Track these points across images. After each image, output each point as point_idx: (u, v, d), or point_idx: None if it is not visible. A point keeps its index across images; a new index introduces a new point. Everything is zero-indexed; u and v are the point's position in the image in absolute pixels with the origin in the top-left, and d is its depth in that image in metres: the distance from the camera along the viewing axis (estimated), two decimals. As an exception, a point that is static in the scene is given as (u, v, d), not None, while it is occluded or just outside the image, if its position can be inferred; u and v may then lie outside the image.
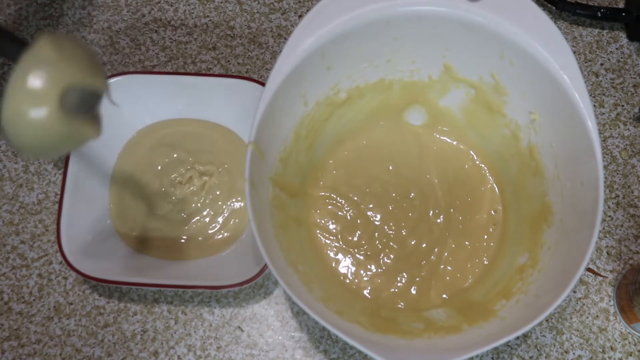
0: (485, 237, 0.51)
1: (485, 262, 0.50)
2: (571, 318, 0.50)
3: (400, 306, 0.48)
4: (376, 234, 0.51)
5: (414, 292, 0.49)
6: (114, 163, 0.54)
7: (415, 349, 0.40)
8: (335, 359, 0.49)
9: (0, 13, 0.61)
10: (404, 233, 0.51)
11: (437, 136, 0.54)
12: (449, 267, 0.50)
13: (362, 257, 0.50)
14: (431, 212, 0.51)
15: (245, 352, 0.49)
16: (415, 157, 0.53)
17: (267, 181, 0.45)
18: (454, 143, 0.54)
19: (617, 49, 0.59)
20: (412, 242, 0.51)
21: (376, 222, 0.51)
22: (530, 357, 0.49)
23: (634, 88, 0.57)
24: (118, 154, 0.54)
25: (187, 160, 0.54)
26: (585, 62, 0.58)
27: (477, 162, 0.53)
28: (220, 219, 0.52)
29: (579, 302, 0.50)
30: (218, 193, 0.53)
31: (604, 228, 0.53)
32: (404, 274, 0.50)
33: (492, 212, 0.51)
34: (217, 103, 0.53)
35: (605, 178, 0.54)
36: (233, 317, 0.50)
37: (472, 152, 0.53)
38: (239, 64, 0.58)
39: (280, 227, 0.45)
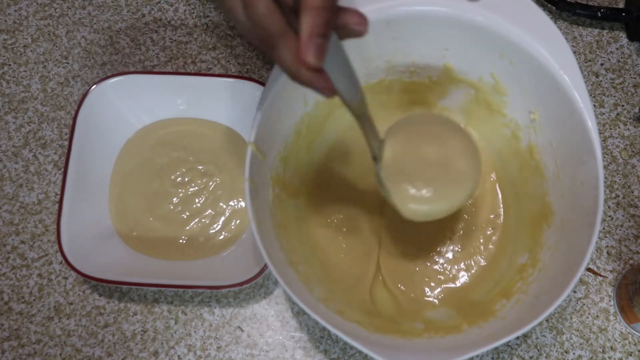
0: (485, 237, 0.51)
1: (483, 263, 0.50)
2: (571, 318, 0.50)
3: (399, 306, 0.49)
4: (376, 234, 0.51)
5: (412, 293, 0.49)
6: (113, 163, 0.54)
7: (415, 349, 0.40)
8: (336, 359, 0.49)
9: (0, 13, 0.61)
10: (404, 234, 0.51)
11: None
12: (449, 267, 0.50)
13: (362, 257, 0.50)
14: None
15: (245, 352, 0.49)
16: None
17: (267, 181, 0.45)
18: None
19: (617, 49, 0.59)
20: (415, 241, 0.51)
21: (376, 223, 0.51)
22: (530, 357, 0.49)
23: (634, 88, 0.57)
24: (118, 154, 0.54)
25: (188, 159, 0.54)
26: (585, 62, 0.58)
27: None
28: (221, 220, 0.52)
29: (579, 302, 0.50)
30: (219, 193, 0.53)
31: (604, 228, 0.53)
32: (404, 273, 0.50)
33: (493, 212, 0.51)
34: (217, 103, 0.53)
35: (605, 178, 0.54)
36: (233, 317, 0.50)
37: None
38: (239, 64, 0.58)
39: (280, 227, 0.45)
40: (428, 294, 0.49)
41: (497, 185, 0.52)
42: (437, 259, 0.50)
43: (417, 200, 0.40)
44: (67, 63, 0.59)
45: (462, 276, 0.50)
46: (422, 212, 0.41)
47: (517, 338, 0.49)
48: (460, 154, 0.41)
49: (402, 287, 0.49)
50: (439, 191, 0.40)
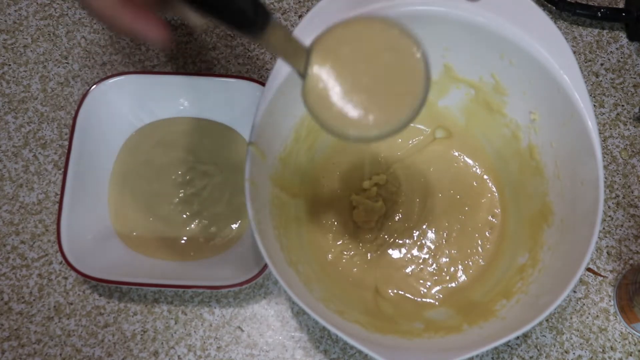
0: (483, 238, 0.51)
1: (482, 263, 0.50)
2: (571, 318, 0.50)
3: (399, 304, 0.49)
4: (375, 233, 0.51)
5: (407, 294, 0.49)
6: (113, 163, 0.53)
7: (415, 349, 0.40)
8: (336, 359, 0.49)
9: (0, 13, 0.61)
10: (403, 234, 0.51)
11: (437, 136, 0.54)
12: (445, 268, 0.50)
13: (361, 257, 0.50)
14: (430, 212, 0.51)
15: (245, 352, 0.49)
16: (415, 159, 0.53)
17: (267, 181, 0.45)
18: (454, 144, 0.54)
19: (617, 49, 0.59)
20: (410, 242, 0.51)
21: (375, 222, 0.51)
22: (530, 357, 0.49)
23: (634, 88, 0.57)
24: (118, 154, 0.54)
25: (188, 159, 0.53)
26: (585, 62, 0.58)
27: (477, 163, 0.53)
28: (221, 220, 0.52)
29: (579, 302, 0.50)
30: (219, 193, 0.52)
31: (604, 228, 0.53)
32: (396, 277, 0.50)
33: (490, 212, 0.51)
34: (217, 103, 0.53)
35: (605, 178, 0.54)
36: (233, 317, 0.50)
37: (471, 153, 0.53)
38: (239, 64, 0.58)
39: (280, 227, 0.45)
40: (425, 295, 0.49)
41: (495, 185, 0.52)
42: (430, 261, 0.50)
43: (351, 126, 0.33)
44: (67, 63, 0.59)
45: (461, 276, 0.50)
46: (358, 137, 0.33)
47: (517, 338, 0.49)
48: (404, 65, 0.34)
49: (395, 291, 0.49)
50: (379, 111, 0.33)
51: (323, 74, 0.33)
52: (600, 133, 0.52)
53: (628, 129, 0.56)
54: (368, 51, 0.33)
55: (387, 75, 0.33)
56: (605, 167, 0.54)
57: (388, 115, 0.33)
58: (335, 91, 0.33)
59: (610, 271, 0.51)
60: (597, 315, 0.50)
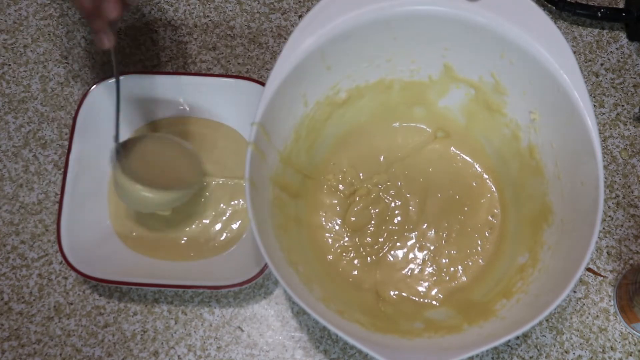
0: (483, 238, 0.51)
1: (482, 263, 0.50)
2: (571, 318, 0.50)
3: (400, 302, 0.49)
4: (375, 234, 0.51)
5: (411, 295, 0.49)
6: (114, 163, 0.53)
7: (415, 348, 0.40)
8: (336, 359, 0.49)
9: (0, 13, 0.61)
10: (403, 234, 0.51)
11: (437, 136, 0.54)
12: (444, 269, 0.50)
13: (361, 258, 0.50)
14: (429, 212, 0.51)
15: (245, 352, 0.49)
16: (415, 159, 0.53)
17: (267, 181, 0.45)
18: (454, 144, 0.54)
19: (617, 49, 0.59)
20: (409, 243, 0.51)
21: (375, 223, 0.51)
22: (530, 357, 0.49)
23: (634, 88, 0.57)
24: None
25: (187, 160, 0.54)
26: (585, 62, 0.58)
27: (477, 162, 0.53)
28: (222, 220, 0.52)
29: (579, 302, 0.50)
30: (220, 193, 0.52)
31: (604, 228, 0.53)
32: (404, 274, 0.50)
33: (490, 212, 0.51)
34: (217, 103, 0.53)
35: (605, 178, 0.54)
36: (233, 317, 0.50)
37: (471, 153, 0.53)
38: (239, 64, 0.58)
39: (280, 227, 0.45)
40: (425, 295, 0.49)
41: (495, 185, 0.52)
42: (430, 262, 0.50)
43: (146, 197, 0.47)
44: (67, 63, 0.59)
45: (461, 276, 0.50)
46: (150, 205, 0.48)
47: (517, 338, 0.49)
48: (179, 164, 0.51)
49: (396, 292, 0.49)
50: (164, 188, 0.48)
51: (132, 159, 0.49)
52: (600, 133, 0.52)
53: (628, 129, 0.56)
54: (159, 153, 0.51)
55: (169, 166, 0.50)
56: (605, 167, 0.54)
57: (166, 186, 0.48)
58: (138, 169, 0.48)
59: (610, 271, 0.51)
60: (597, 315, 0.50)
